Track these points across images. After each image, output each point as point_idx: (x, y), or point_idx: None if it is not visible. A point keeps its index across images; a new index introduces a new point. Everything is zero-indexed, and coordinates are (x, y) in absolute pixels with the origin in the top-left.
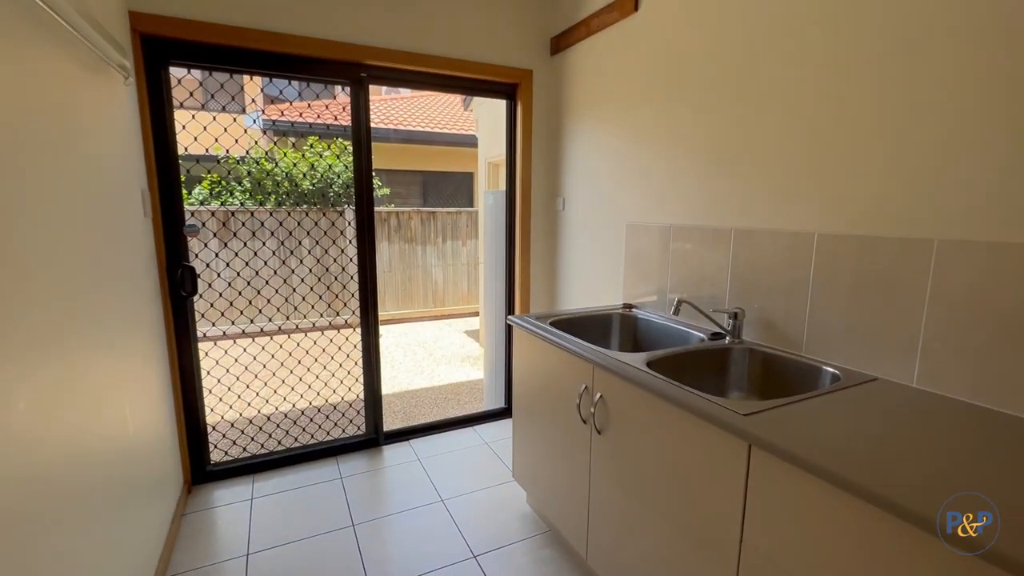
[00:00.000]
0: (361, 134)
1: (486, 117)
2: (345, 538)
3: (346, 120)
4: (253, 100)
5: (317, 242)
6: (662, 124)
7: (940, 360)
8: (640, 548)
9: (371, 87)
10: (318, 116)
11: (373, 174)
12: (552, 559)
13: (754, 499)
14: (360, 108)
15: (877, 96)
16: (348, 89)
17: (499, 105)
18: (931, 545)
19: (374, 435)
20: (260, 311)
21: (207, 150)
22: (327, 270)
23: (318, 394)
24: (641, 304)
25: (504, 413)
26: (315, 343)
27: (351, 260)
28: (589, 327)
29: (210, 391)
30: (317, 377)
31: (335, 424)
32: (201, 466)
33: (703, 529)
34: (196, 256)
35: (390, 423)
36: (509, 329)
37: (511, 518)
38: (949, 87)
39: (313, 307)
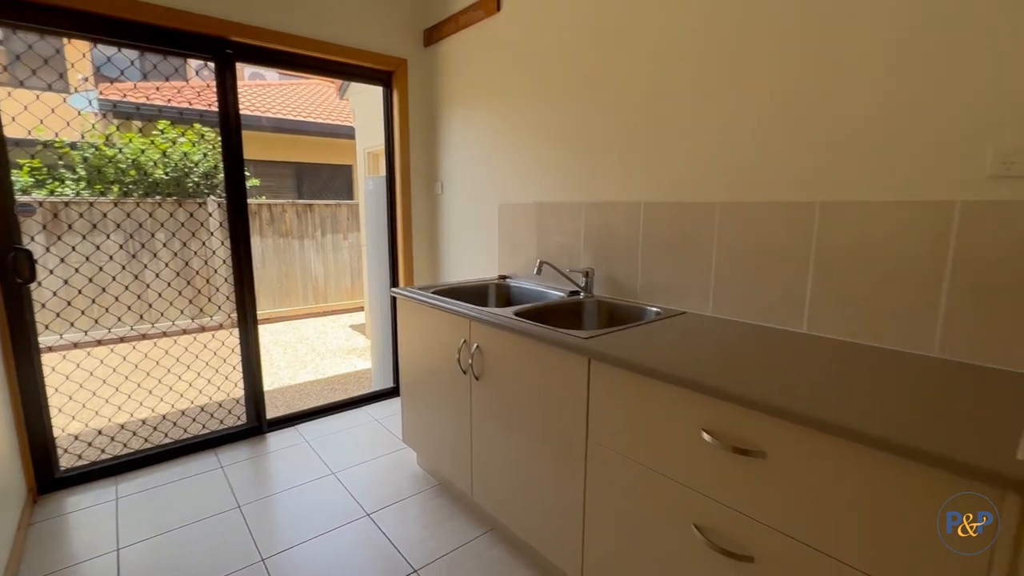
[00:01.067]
0: (229, 116)
1: (364, 106)
2: (232, 519)
3: (202, 104)
4: (86, 79)
5: (174, 234)
6: (528, 115)
7: (724, 294)
8: (514, 471)
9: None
10: (169, 100)
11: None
12: (442, 505)
13: (594, 400)
14: (227, 88)
15: (687, 97)
16: (212, 67)
17: (376, 94)
18: (703, 401)
19: (256, 423)
20: (107, 310)
21: (29, 132)
22: (187, 264)
23: (192, 401)
24: (514, 275)
25: (393, 392)
26: (185, 348)
27: (214, 253)
28: (467, 295)
29: (70, 397)
30: (190, 384)
31: (211, 416)
32: (49, 474)
33: (561, 438)
34: (32, 239)
35: (273, 414)
36: (395, 310)
37: (403, 479)
38: (722, 98)
39: (172, 304)
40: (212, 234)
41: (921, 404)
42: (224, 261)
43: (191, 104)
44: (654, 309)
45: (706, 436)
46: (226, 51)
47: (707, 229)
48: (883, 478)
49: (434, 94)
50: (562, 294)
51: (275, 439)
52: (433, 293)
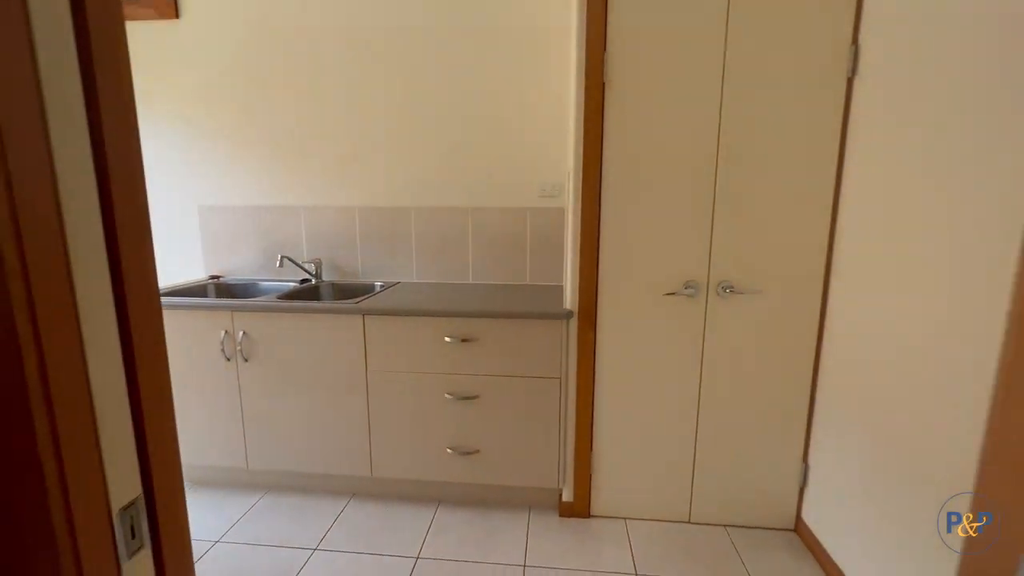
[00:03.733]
0: None
1: None
2: None
3: None
4: None
5: None
6: (226, 120)
7: (423, 267)
8: (301, 423)
9: None
10: None
11: None
12: (214, 491)
13: (370, 343)
14: None
15: (381, 113)
16: None
17: None
18: (443, 321)
19: None
20: None
21: None
22: None
23: None
24: (230, 273)
25: None
26: None
27: None
28: (186, 295)
29: None
30: None
31: None
32: None
33: (344, 379)
34: None
35: None
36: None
37: None
38: (411, 141)
39: None
40: None
41: (524, 299)
42: None
43: None
44: (379, 283)
45: (447, 339)
46: None
47: (407, 225)
48: (525, 333)
49: None
50: (295, 283)
51: None
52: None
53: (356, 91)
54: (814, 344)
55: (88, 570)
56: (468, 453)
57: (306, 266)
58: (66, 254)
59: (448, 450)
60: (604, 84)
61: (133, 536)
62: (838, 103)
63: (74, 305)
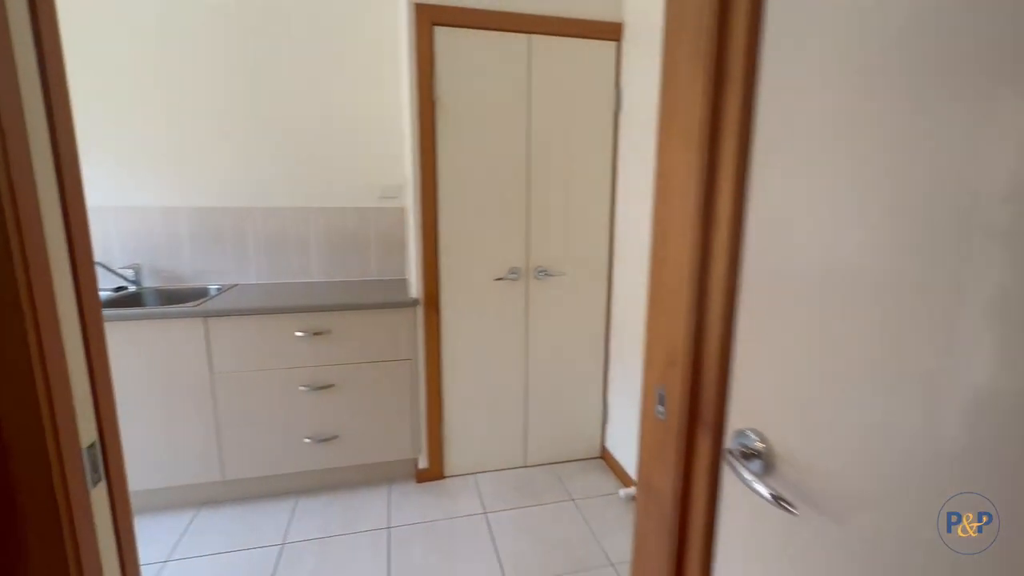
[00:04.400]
0: None
1: None
2: None
3: None
4: None
5: None
6: None
7: (262, 268)
8: (131, 446)
9: None
10: None
11: None
12: None
13: (214, 344)
14: None
15: (209, 113)
16: None
17: None
18: (293, 317)
19: None
20: None
21: None
22: None
23: None
24: None
25: None
26: None
27: None
28: None
29: None
30: None
31: None
32: None
33: (181, 387)
34: None
35: None
36: None
37: None
38: (244, 137)
39: None
40: None
41: (371, 292)
42: None
43: None
44: (214, 286)
45: (299, 333)
46: None
47: (244, 226)
48: (377, 322)
49: None
50: (108, 291)
51: None
52: None
53: (178, 89)
54: (605, 310)
55: (72, 490)
56: (327, 440)
57: (122, 272)
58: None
59: (306, 440)
60: (434, 102)
61: (95, 471)
62: (609, 130)
63: (55, 300)
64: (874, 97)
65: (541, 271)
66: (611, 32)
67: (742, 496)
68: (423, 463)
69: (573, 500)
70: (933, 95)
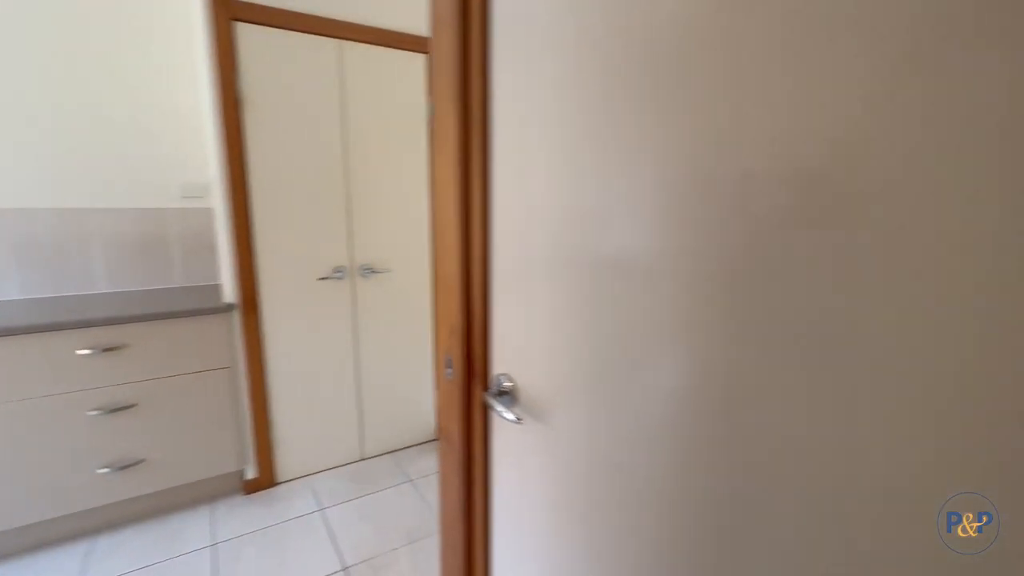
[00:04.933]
0: None
1: None
2: None
3: None
4: None
5: None
6: None
7: (30, 277)
8: None
9: None
10: None
11: None
12: None
13: None
14: None
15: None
16: None
17: None
18: (71, 333)
19: None
20: None
21: None
22: None
23: None
24: None
25: None
26: None
27: None
28: None
29: None
30: None
31: None
32: None
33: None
34: None
35: None
36: None
37: None
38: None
39: None
40: None
41: (177, 300)
42: None
43: None
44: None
45: (84, 352)
46: None
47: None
48: (186, 330)
49: None
50: None
51: None
52: None
53: None
54: (430, 302)
55: None
56: (130, 466)
57: None
58: None
59: (103, 470)
60: (239, 99)
61: None
62: (423, 135)
63: None
64: (563, 133)
65: (367, 269)
66: (420, 45)
67: (504, 424)
68: (251, 473)
69: (411, 481)
70: (619, 109)
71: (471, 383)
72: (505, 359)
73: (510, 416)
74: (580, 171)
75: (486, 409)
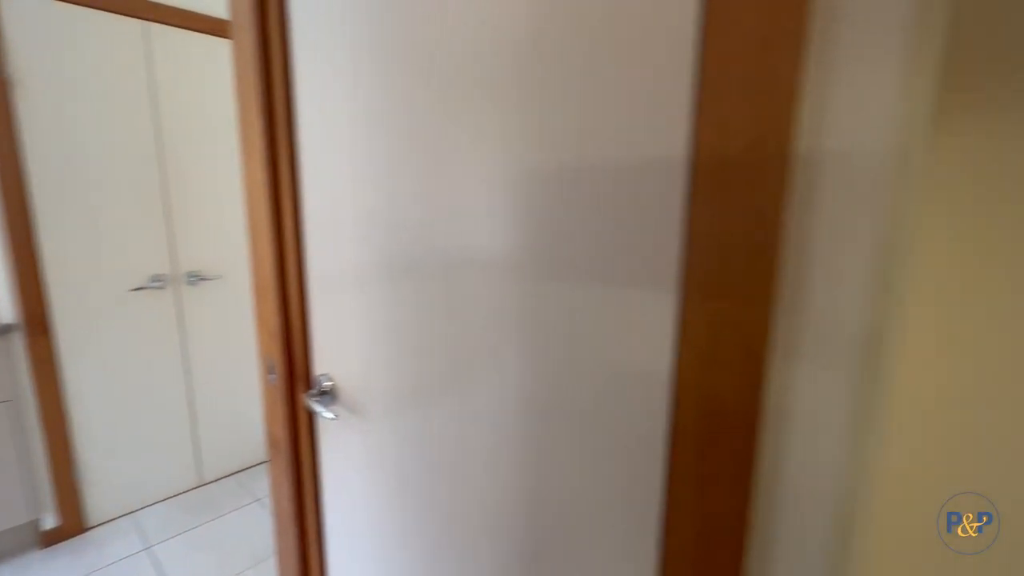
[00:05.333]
0: None
1: None
2: None
3: None
4: None
5: None
6: None
7: None
8: None
9: None
10: None
11: None
12: None
13: None
14: None
15: None
16: None
17: None
18: None
19: None
20: None
21: None
22: None
23: None
24: None
25: None
26: None
27: None
28: None
29: None
30: None
31: None
32: None
33: None
34: None
35: None
36: None
37: None
38: None
39: None
40: None
41: None
42: None
43: None
44: None
45: None
46: None
47: None
48: None
49: None
50: None
51: None
52: None
53: None
54: None
55: None
56: None
57: None
58: None
59: None
60: (6, 82)
61: None
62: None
63: None
64: (365, 135)
65: (194, 276)
66: None
67: (331, 423)
68: (51, 522)
69: (259, 500)
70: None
71: (294, 386)
72: (325, 359)
73: (328, 414)
74: (382, 174)
75: (312, 411)
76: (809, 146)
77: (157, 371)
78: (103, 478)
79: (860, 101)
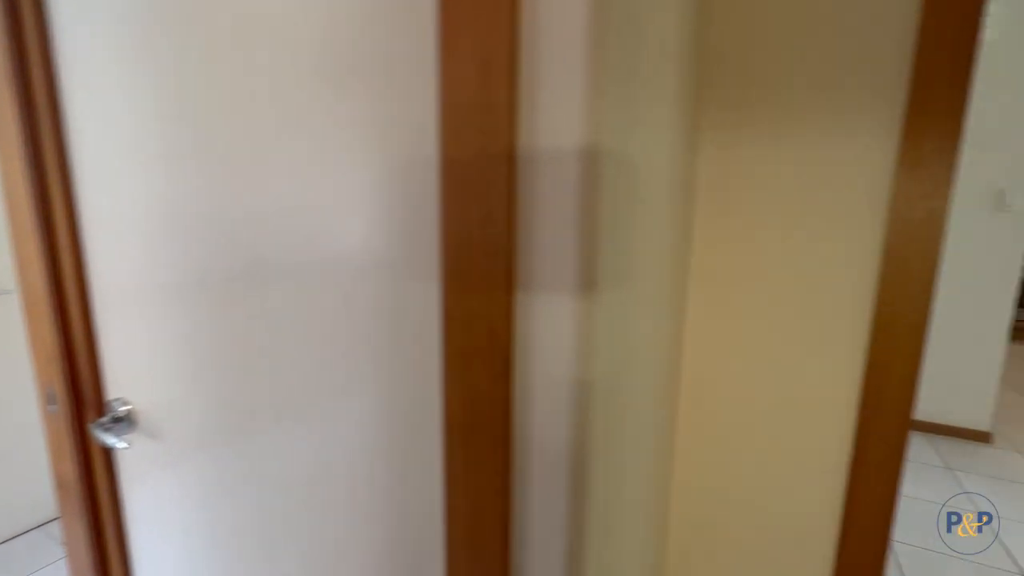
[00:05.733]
0: None
1: None
2: None
3: None
4: None
5: None
6: None
7: None
8: None
9: None
10: None
11: None
12: None
13: None
14: None
15: None
16: None
17: None
18: None
19: None
20: None
21: None
22: None
23: None
24: None
25: None
26: None
27: None
28: None
29: None
30: None
31: None
32: None
33: None
34: None
35: None
36: None
37: None
38: None
39: None
40: None
41: None
42: None
43: None
44: None
45: None
46: None
47: None
48: None
49: None
50: None
51: None
52: None
53: None
54: None
55: None
56: None
57: None
58: None
59: None
60: None
61: None
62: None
63: None
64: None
65: None
66: None
67: (128, 454)
68: None
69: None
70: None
71: (81, 415)
72: (121, 382)
73: (120, 443)
74: (169, 173)
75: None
76: (526, 149)
77: None
78: None
79: (557, 113)
